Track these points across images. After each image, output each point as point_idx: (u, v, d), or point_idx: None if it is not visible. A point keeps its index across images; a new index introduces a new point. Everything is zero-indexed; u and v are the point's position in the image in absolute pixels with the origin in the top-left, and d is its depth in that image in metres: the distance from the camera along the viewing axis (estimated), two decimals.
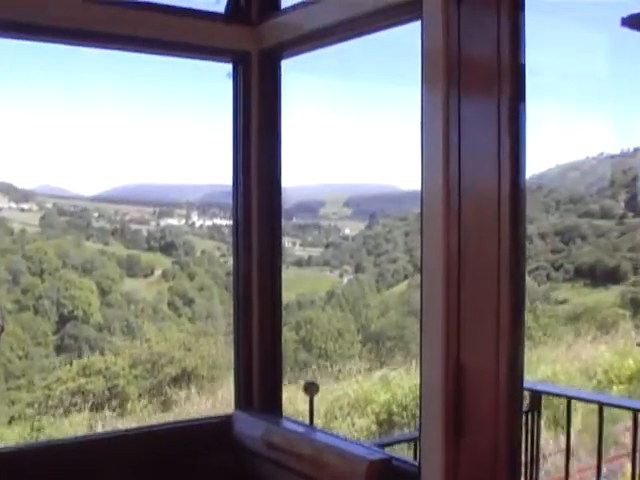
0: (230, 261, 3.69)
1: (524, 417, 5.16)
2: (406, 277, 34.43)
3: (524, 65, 2.22)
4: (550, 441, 9.05)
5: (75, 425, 15.11)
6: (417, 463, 2.58)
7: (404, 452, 4.67)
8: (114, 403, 17.78)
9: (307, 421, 3.41)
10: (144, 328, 24.84)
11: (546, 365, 14.23)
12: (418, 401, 2.53)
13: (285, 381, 3.90)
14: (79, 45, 3.20)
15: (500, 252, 2.21)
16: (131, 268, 31.29)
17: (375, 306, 30.79)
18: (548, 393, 5.89)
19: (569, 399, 5.29)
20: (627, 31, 5.98)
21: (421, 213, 2.43)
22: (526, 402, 5.26)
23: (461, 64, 2.32)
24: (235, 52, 3.44)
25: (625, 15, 5.98)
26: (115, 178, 48.82)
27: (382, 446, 3.89)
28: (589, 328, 21.72)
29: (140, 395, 18.21)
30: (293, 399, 10.25)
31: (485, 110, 2.28)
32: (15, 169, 43.26)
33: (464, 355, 2.31)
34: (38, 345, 25.87)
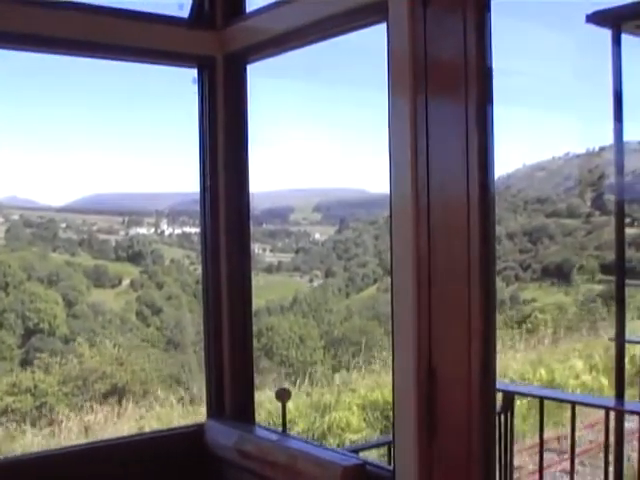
0: (200, 269, 3.64)
1: (497, 418, 5.19)
2: (375, 281, 34.55)
3: (491, 67, 2.22)
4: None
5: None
6: (391, 467, 2.57)
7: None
8: (43, 422, 17.15)
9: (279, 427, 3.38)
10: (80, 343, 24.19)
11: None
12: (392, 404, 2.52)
13: None
14: (44, 52, 3.14)
15: (470, 253, 2.21)
16: (98, 279, 30.97)
17: (339, 311, 30.78)
18: (521, 393, 5.94)
19: (542, 399, 5.34)
20: (592, 29, 6.06)
21: (390, 216, 2.43)
22: (499, 403, 5.29)
23: (428, 67, 2.32)
24: (200, 57, 3.42)
25: (590, 12, 6.05)
26: (84, 188, 48.38)
27: (357, 451, 3.87)
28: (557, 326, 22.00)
29: (70, 412, 17.49)
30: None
31: (452, 112, 2.28)
32: None
33: (436, 357, 2.31)
34: (3, 360, 25.41)
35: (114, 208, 34.39)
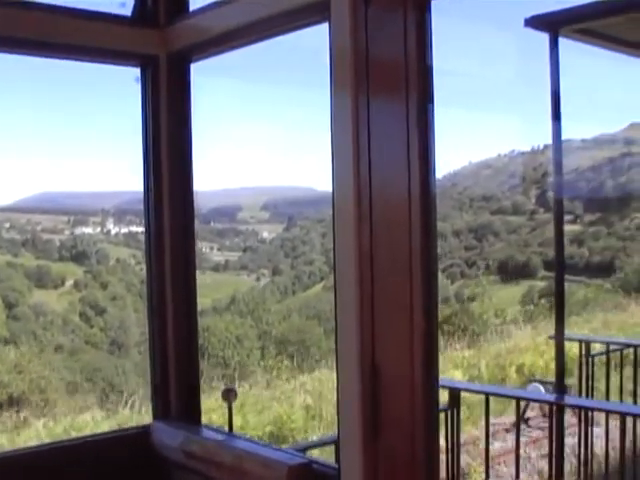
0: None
1: (444, 414, 5.27)
2: (322, 279, 34.68)
3: (431, 66, 2.25)
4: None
5: None
6: (337, 466, 2.59)
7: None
8: None
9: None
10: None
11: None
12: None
13: None
14: None
15: (412, 251, 2.23)
16: (41, 279, 30.37)
17: (277, 311, 30.67)
18: (467, 390, 6.04)
19: (487, 395, 5.47)
20: (531, 31, 6.17)
21: (333, 215, 2.44)
22: (445, 400, 5.38)
23: (369, 66, 2.34)
24: (142, 56, 3.38)
25: (528, 16, 6.17)
26: (31, 187, 47.36)
27: (304, 450, 3.89)
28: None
29: None
30: None
31: (394, 111, 2.30)
32: None
33: (379, 355, 2.33)
34: None
35: (60, 207, 33.78)
